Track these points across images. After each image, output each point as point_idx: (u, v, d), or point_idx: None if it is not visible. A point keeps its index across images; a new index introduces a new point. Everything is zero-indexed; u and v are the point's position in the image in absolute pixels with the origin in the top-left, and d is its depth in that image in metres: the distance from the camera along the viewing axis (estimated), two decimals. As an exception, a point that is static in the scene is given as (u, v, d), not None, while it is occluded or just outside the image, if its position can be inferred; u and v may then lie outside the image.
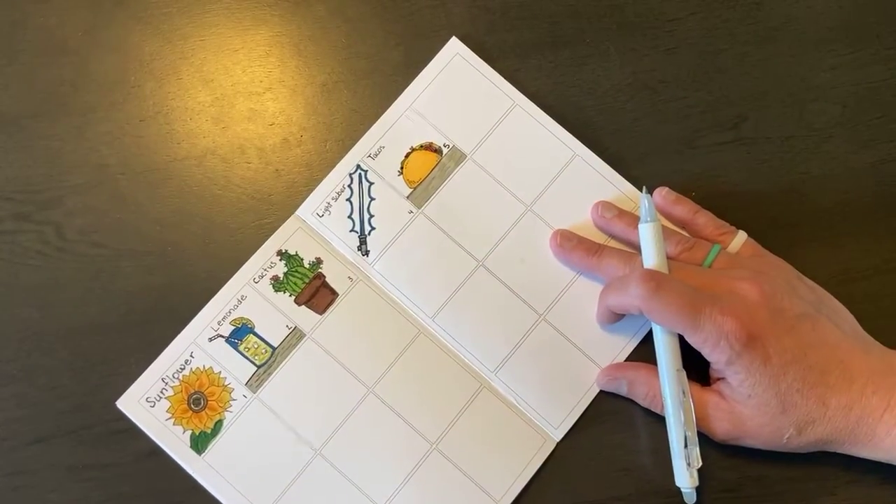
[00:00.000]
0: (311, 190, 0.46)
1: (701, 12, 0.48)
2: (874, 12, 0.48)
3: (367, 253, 0.45)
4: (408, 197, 0.46)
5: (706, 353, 0.39)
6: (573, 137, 0.46)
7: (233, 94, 0.47)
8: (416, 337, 0.44)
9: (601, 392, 0.44)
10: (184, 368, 0.43)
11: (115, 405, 0.43)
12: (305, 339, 0.44)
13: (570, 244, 0.44)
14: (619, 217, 0.44)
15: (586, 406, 0.44)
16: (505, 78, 0.47)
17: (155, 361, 0.43)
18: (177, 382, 0.43)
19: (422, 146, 0.46)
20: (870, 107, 0.47)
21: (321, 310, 0.44)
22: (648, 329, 0.44)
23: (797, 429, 0.39)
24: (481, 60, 0.47)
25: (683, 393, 0.41)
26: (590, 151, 0.46)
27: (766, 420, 0.39)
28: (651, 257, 0.42)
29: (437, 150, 0.46)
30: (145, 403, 0.43)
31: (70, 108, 0.46)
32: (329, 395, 0.43)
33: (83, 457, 0.43)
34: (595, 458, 0.44)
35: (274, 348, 0.44)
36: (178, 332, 0.44)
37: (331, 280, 0.45)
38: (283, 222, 0.46)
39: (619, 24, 0.48)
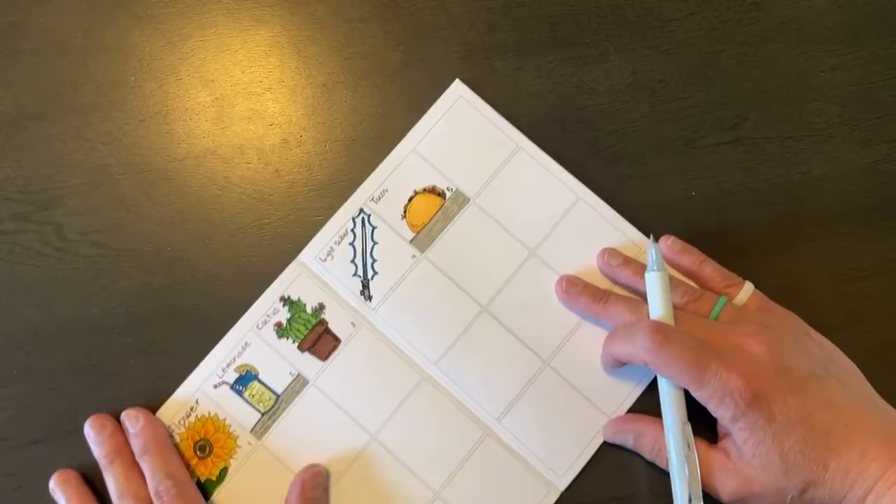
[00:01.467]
0: (311, 190, 0.46)
1: (701, 12, 0.48)
2: (874, 12, 0.48)
3: (370, 298, 0.45)
4: (411, 241, 0.45)
5: (711, 408, 0.39)
6: (577, 181, 0.46)
7: (232, 94, 0.47)
8: (420, 383, 0.44)
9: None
10: (189, 415, 0.43)
11: (114, 405, 0.43)
12: (309, 385, 0.44)
13: (576, 290, 0.44)
14: (625, 264, 0.44)
15: (592, 454, 0.43)
16: (505, 77, 0.47)
17: (161, 408, 0.43)
18: (183, 429, 0.43)
19: (425, 189, 0.46)
20: (870, 107, 0.47)
21: (324, 356, 0.44)
22: (654, 376, 0.44)
23: (799, 490, 0.38)
24: (484, 103, 0.46)
25: (688, 446, 0.40)
26: (594, 195, 0.46)
27: (771, 481, 0.38)
28: (657, 307, 0.41)
29: (441, 194, 0.46)
30: None
31: (70, 108, 0.46)
32: (333, 442, 0.43)
33: (83, 457, 0.43)
34: (594, 459, 0.44)
35: (278, 395, 0.44)
36: (178, 331, 0.44)
37: (333, 326, 0.44)
38: (283, 221, 0.46)
39: (619, 24, 0.48)
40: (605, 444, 0.44)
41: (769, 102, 0.47)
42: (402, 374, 0.44)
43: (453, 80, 0.47)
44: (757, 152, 0.47)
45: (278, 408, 0.43)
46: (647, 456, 0.43)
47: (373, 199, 0.46)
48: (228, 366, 0.44)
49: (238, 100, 0.47)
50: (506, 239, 0.45)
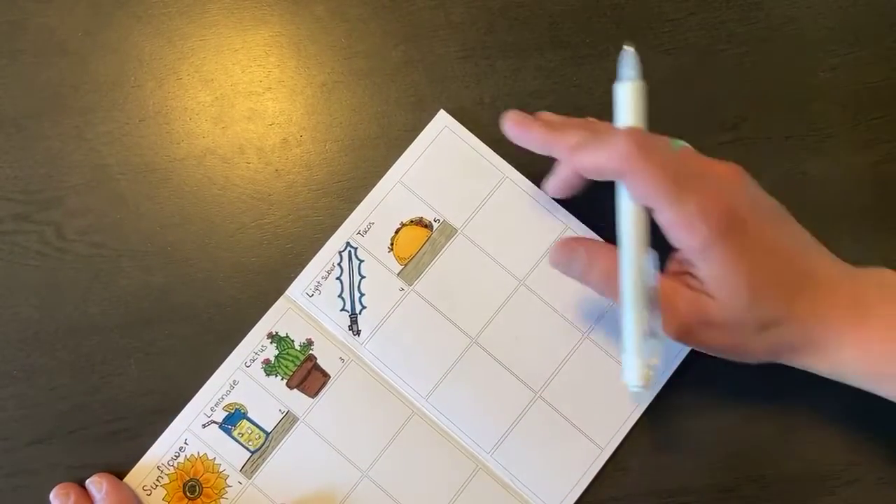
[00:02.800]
0: (311, 190, 0.46)
1: (700, 12, 0.48)
2: (874, 12, 0.48)
3: (358, 332, 0.44)
4: (398, 274, 0.45)
5: (678, 234, 0.36)
6: (563, 209, 0.46)
7: (232, 94, 0.47)
8: (410, 418, 0.44)
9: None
10: (178, 456, 0.43)
11: (114, 405, 0.43)
12: (298, 423, 0.43)
13: (528, 121, 0.41)
14: (536, 122, 0.41)
15: (586, 486, 0.43)
16: (505, 77, 0.47)
17: (150, 449, 0.43)
18: (172, 470, 0.43)
19: (412, 221, 0.45)
20: (870, 107, 0.47)
21: (313, 393, 0.44)
22: (648, 404, 0.44)
23: (760, 326, 0.36)
24: (469, 133, 0.46)
25: (653, 277, 0.37)
26: (581, 224, 0.45)
27: (731, 314, 0.36)
28: (629, 119, 0.37)
29: (428, 226, 0.45)
30: (142, 492, 0.43)
31: (70, 108, 0.46)
32: (323, 480, 0.43)
33: (83, 457, 0.43)
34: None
35: (267, 433, 0.43)
36: (178, 331, 0.44)
37: (322, 362, 0.44)
38: (283, 221, 0.46)
39: (619, 24, 0.48)
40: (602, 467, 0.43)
41: (769, 102, 0.47)
42: (393, 409, 0.44)
43: (453, 79, 0.47)
44: (757, 152, 0.47)
45: (268, 446, 0.43)
46: (596, 282, 0.39)
47: (359, 232, 0.45)
48: (217, 405, 0.44)
49: (238, 99, 0.47)
50: (494, 269, 0.45)
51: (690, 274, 0.38)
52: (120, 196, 0.46)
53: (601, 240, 0.41)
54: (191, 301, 0.45)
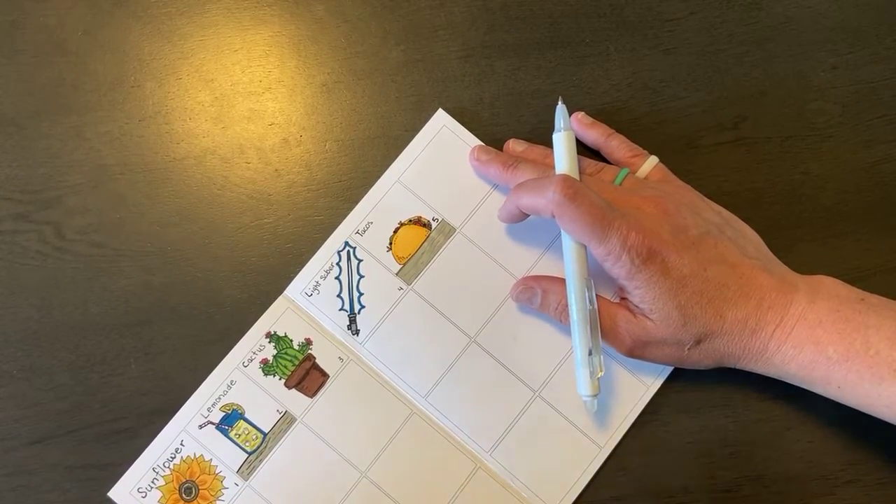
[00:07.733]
0: (311, 189, 0.46)
1: (700, 12, 0.48)
2: (874, 12, 0.48)
3: (357, 332, 0.44)
4: (397, 273, 0.45)
5: (608, 266, 0.40)
6: None
7: (232, 94, 0.47)
8: (409, 417, 0.44)
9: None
10: (174, 457, 0.43)
11: (114, 405, 0.43)
12: (296, 423, 0.43)
13: (488, 157, 0.45)
14: (495, 159, 0.45)
15: (584, 485, 0.43)
16: (505, 77, 0.47)
17: (146, 450, 0.43)
18: (168, 472, 0.43)
19: (410, 221, 0.45)
20: (870, 107, 0.47)
21: (312, 393, 0.44)
22: (647, 402, 0.44)
23: (696, 340, 0.40)
24: (468, 132, 0.46)
25: (590, 302, 0.41)
26: None
27: (669, 333, 0.40)
28: (563, 164, 0.42)
29: (426, 225, 0.45)
30: (137, 494, 0.42)
31: (70, 108, 0.46)
32: (322, 481, 0.43)
33: (82, 457, 0.43)
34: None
35: (265, 434, 0.43)
36: (178, 331, 0.44)
37: (321, 361, 0.44)
38: (283, 221, 0.46)
39: (619, 24, 0.48)
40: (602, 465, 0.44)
41: (769, 102, 0.47)
42: (392, 409, 0.44)
43: (453, 79, 0.47)
44: (757, 152, 0.47)
45: (265, 447, 0.43)
46: (553, 314, 0.43)
47: (357, 231, 0.45)
48: (214, 405, 0.43)
49: (238, 99, 0.47)
50: (493, 268, 0.45)
51: (630, 296, 0.41)
52: (120, 196, 0.46)
53: (553, 276, 0.44)
54: (190, 301, 0.45)
